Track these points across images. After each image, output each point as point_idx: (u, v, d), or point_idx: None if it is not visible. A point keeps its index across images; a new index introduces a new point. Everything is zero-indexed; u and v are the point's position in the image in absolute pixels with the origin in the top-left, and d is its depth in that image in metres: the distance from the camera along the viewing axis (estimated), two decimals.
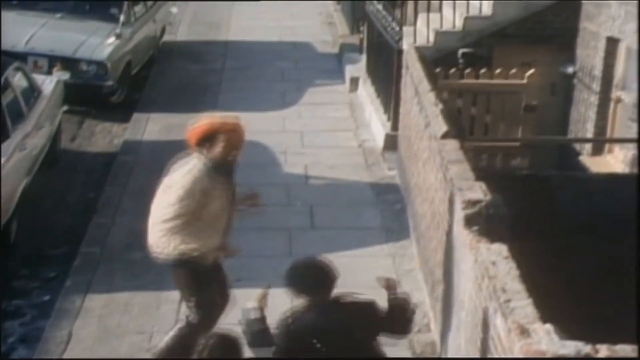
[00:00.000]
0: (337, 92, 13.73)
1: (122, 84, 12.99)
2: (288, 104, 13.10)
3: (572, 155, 10.97)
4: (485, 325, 4.85)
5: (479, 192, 5.81)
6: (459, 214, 5.68)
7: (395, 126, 10.82)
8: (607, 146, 10.83)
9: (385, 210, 9.55)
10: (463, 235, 5.56)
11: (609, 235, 7.33)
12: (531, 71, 10.82)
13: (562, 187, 7.66)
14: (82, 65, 12.38)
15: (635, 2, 9.69)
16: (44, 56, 12.21)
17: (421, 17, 12.05)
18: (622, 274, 7.13)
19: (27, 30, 12.49)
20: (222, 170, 6.10)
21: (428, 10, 12.11)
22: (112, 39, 12.82)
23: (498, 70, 10.96)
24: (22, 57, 11.52)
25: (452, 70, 10.97)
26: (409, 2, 12.41)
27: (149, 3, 14.92)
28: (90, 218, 9.27)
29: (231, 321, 5.98)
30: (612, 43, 10.63)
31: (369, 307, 5.34)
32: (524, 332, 4.09)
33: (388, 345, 5.56)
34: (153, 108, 12.76)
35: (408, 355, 6.78)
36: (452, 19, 11.92)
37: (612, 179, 8.50)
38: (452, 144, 6.78)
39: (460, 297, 5.68)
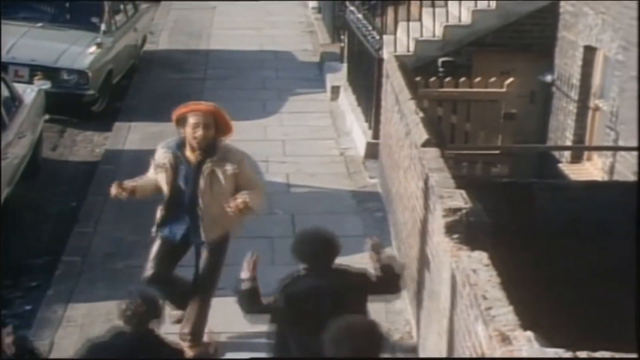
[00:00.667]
0: (318, 100, 13.76)
1: (103, 93, 12.95)
2: (269, 113, 13.12)
3: (552, 163, 11.04)
4: (467, 333, 4.89)
5: (459, 199, 5.84)
6: (440, 222, 5.71)
7: (376, 134, 10.86)
8: (585, 154, 10.92)
9: (367, 218, 9.58)
10: (444, 243, 5.59)
11: (589, 242, 7.38)
12: (510, 80, 10.89)
13: (542, 194, 7.71)
14: (63, 75, 12.35)
15: (612, 12, 9.79)
16: (25, 65, 12.15)
17: (401, 26, 12.10)
18: (603, 280, 7.18)
19: (7, 40, 12.43)
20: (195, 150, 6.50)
21: (408, 19, 12.17)
22: (93, 48, 12.77)
23: (478, 79, 11.03)
24: (3, 66, 11.46)
25: (432, 79, 11.03)
26: (390, 10, 12.47)
27: (130, 12, 14.91)
28: (72, 227, 9.23)
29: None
30: (590, 52, 10.72)
31: (360, 274, 5.66)
32: (505, 339, 4.13)
33: None
34: (134, 117, 12.74)
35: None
36: (432, 27, 11.98)
37: (592, 186, 8.57)
38: (433, 152, 6.82)
39: (442, 304, 5.71)
